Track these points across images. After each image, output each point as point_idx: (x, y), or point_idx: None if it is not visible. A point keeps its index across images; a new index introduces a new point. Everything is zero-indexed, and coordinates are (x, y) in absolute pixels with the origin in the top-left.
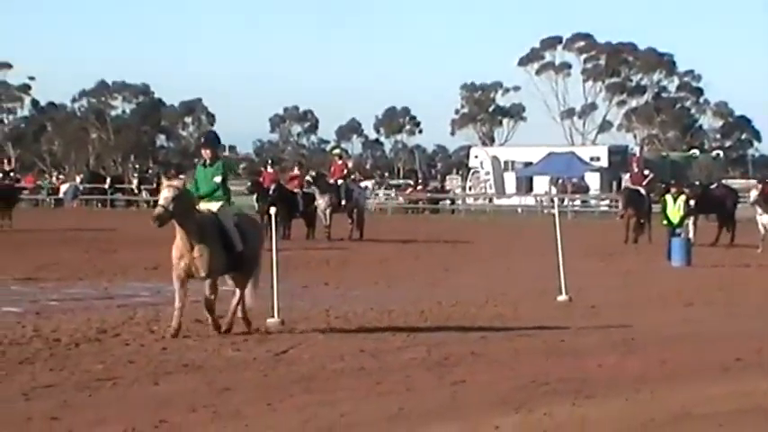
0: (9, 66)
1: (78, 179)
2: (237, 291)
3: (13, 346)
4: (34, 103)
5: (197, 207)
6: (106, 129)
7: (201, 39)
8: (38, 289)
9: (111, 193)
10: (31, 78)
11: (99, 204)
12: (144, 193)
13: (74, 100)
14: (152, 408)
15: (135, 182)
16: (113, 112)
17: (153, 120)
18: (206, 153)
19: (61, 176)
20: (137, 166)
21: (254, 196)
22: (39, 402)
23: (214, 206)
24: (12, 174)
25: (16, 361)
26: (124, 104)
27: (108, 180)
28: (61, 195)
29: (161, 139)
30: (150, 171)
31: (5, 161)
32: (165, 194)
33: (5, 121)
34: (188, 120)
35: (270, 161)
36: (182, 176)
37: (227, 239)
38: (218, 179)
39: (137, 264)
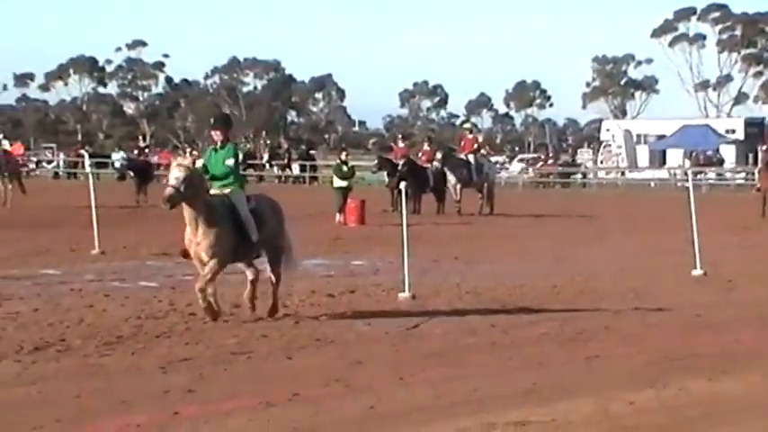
0: (144, 44)
1: None
2: (272, 273)
3: (150, 319)
4: (168, 80)
5: (208, 189)
6: (238, 105)
7: (332, 14)
8: (173, 264)
9: (243, 169)
10: (165, 56)
11: None
12: (275, 169)
13: (206, 77)
14: (285, 381)
15: (266, 157)
16: (245, 89)
17: (284, 96)
18: (216, 135)
19: (194, 152)
20: (268, 141)
21: (385, 172)
22: (175, 375)
23: (228, 191)
24: (147, 150)
25: (153, 334)
26: (255, 81)
27: (240, 156)
28: None
29: (292, 115)
30: (281, 147)
31: (141, 138)
32: (176, 174)
33: (141, 99)
34: (318, 96)
35: (400, 136)
36: (194, 153)
37: (240, 226)
38: (230, 162)
39: None
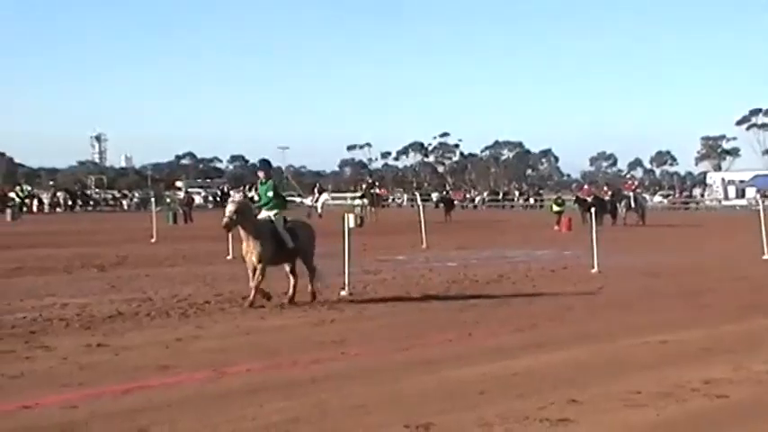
0: (447, 134)
1: None
2: (307, 269)
3: (454, 282)
4: (461, 153)
5: (255, 214)
6: (498, 167)
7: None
8: (465, 253)
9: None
10: (460, 140)
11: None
12: (520, 200)
13: (482, 150)
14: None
15: (517, 194)
16: (502, 158)
17: (523, 161)
18: (261, 174)
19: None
20: (516, 186)
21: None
22: (468, 314)
23: (272, 213)
24: (449, 192)
25: (455, 290)
26: (509, 153)
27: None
28: None
29: (528, 171)
30: (523, 189)
31: (445, 185)
32: (230, 208)
33: (445, 164)
34: (543, 160)
35: (588, 182)
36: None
37: (279, 238)
38: (270, 194)
39: (513, 239)
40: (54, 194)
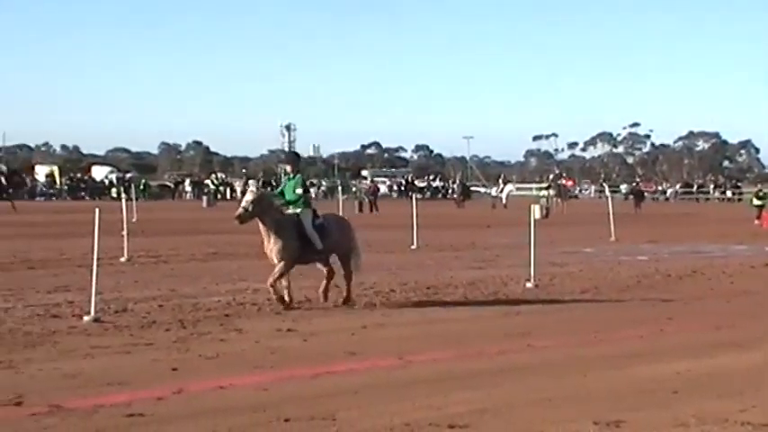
0: (638, 124)
1: None
2: (344, 271)
3: (644, 277)
4: (652, 144)
5: (277, 208)
6: (692, 158)
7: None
8: (656, 246)
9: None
10: (650, 130)
11: None
12: (716, 192)
13: (674, 141)
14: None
15: (712, 186)
16: (697, 149)
17: (720, 152)
18: (288, 167)
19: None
20: (712, 178)
21: None
22: (657, 309)
23: (299, 211)
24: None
25: (646, 286)
26: (704, 144)
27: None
28: None
29: (725, 164)
30: (718, 182)
31: (636, 176)
32: (247, 198)
33: (635, 155)
34: (742, 151)
35: None
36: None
37: (305, 237)
38: (299, 191)
39: (707, 233)
40: (246, 182)
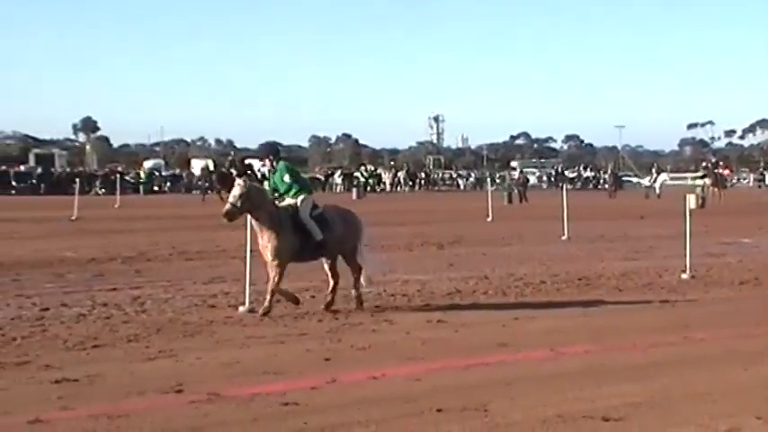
0: None
1: None
2: (351, 270)
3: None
4: None
5: (270, 201)
6: None
7: None
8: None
9: None
10: None
11: None
12: None
13: None
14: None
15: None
16: None
17: None
18: (266, 162)
19: None
20: None
21: None
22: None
23: (298, 200)
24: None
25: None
26: None
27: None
28: None
29: None
30: None
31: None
32: (234, 192)
33: None
34: None
35: None
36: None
37: (302, 227)
38: (287, 179)
39: None
40: (395, 174)
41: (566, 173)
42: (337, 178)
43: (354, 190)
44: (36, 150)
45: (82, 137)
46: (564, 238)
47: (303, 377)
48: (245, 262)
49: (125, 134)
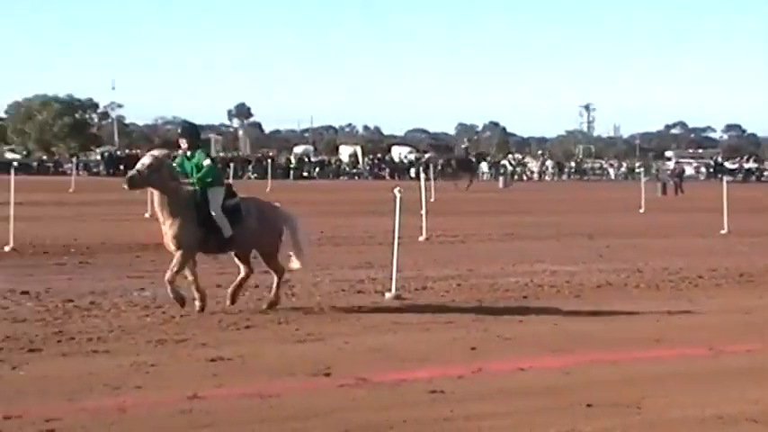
0: None
1: None
2: (270, 270)
3: None
4: None
5: (179, 180)
6: None
7: None
8: None
9: None
10: None
11: None
12: None
13: None
14: None
15: None
16: None
17: None
18: (182, 143)
19: None
20: None
21: None
22: None
23: (209, 191)
24: None
25: None
26: None
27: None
28: None
29: None
30: None
31: None
32: (143, 161)
33: None
34: None
35: None
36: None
37: (211, 221)
38: (206, 162)
39: None
40: (543, 163)
41: (725, 164)
42: (484, 166)
43: (501, 178)
44: None
45: (236, 122)
46: (723, 231)
47: (449, 365)
48: (392, 249)
49: (276, 120)
